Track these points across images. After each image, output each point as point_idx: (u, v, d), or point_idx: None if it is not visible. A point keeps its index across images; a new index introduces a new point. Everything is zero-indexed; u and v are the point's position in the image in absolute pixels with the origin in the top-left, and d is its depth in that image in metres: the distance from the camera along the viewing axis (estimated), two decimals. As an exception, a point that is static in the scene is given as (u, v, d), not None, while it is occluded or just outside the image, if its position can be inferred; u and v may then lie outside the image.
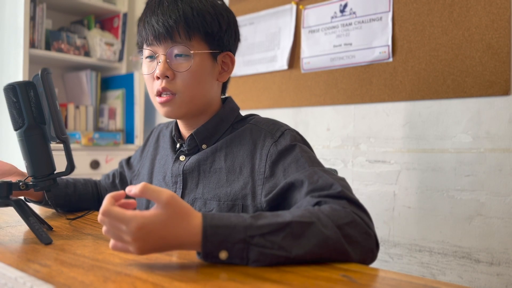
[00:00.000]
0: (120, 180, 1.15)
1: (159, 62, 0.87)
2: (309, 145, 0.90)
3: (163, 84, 0.87)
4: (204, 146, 0.93)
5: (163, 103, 0.89)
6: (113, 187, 1.15)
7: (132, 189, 0.59)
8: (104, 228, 0.61)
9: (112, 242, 0.61)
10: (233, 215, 0.62)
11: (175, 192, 0.94)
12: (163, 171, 1.00)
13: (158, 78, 0.88)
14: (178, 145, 0.99)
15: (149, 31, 0.88)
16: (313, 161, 0.82)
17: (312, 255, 0.62)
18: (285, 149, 0.84)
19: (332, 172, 0.80)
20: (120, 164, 1.17)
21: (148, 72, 0.91)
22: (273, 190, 0.82)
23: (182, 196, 0.93)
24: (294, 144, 0.84)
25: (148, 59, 0.91)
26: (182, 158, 0.95)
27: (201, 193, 0.91)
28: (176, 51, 0.87)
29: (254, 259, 0.60)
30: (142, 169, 1.09)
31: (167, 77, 0.87)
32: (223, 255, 0.59)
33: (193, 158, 0.93)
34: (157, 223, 0.58)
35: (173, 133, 1.01)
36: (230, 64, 0.95)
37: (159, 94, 0.89)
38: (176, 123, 1.00)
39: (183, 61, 0.87)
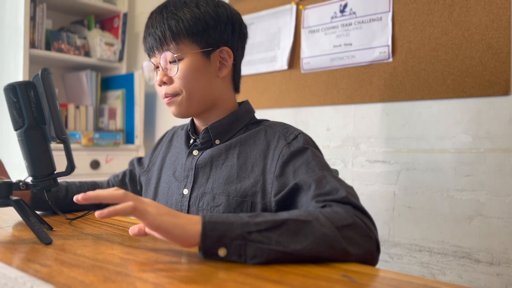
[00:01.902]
0: (130, 178, 1.17)
1: (159, 70, 0.94)
2: (320, 150, 0.91)
3: (164, 91, 0.94)
4: (217, 141, 0.96)
5: (168, 104, 0.96)
6: (122, 185, 1.17)
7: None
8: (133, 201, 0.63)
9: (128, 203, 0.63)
10: (231, 215, 0.64)
11: (185, 186, 0.96)
12: (173, 167, 1.02)
13: (160, 85, 0.95)
14: (192, 140, 1.02)
15: (147, 45, 0.96)
16: (324, 166, 0.83)
17: (310, 252, 0.62)
18: (297, 151, 0.86)
19: (341, 179, 0.81)
20: (131, 162, 1.19)
21: (154, 80, 0.97)
22: (283, 189, 0.83)
23: (192, 190, 0.95)
24: (307, 147, 0.86)
25: (153, 69, 0.98)
26: (195, 152, 0.98)
27: (210, 187, 0.92)
28: (167, 58, 0.93)
29: (252, 256, 0.60)
30: (152, 166, 1.11)
31: (166, 83, 0.93)
32: (221, 252, 0.61)
33: (207, 153, 0.95)
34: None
35: (188, 128, 1.04)
36: (228, 58, 0.97)
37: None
38: (192, 119, 1.04)
39: (173, 66, 0.93)
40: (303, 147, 0.86)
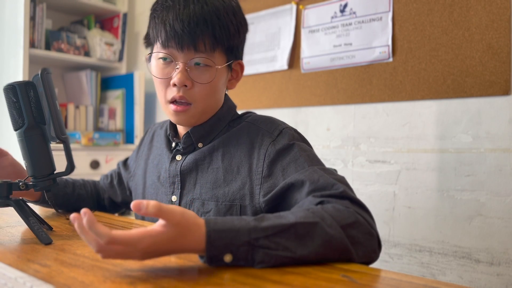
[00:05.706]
0: (118, 180, 1.14)
1: (177, 69, 0.85)
2: (307, 142, 0.89)
3: (181, 93, 0.85)
4: (200, 144, 0.93)
5: (177, 112, 0.87)
6: (111, 187, 1.15)
7: (144, 207, 0.55)
8: (103, 255, 0.56)
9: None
10: (236, 219, 0.61)
11: (172, 193, 0.94)
12: (156, 171, 0.99)
13: (174, 85, 0.86)
14: (173, 144, 0.98)
15: (170, 35, 0.84)
16: (312, 160, 0.81)
17: (316, 255, 0.61)
18: (283, 148, 0.83)
19: (332, 171, 0.80)
20: (118, 165, 1.17)
21: (163, 77, 0.88)
22: (272, 190, 0.82)
23: (180, 197, 0.92)
24: (293, 143, 0.84)
25: (161, 60, 0.88)
26: (178, 157, 0.94)
27: (198, 193, 0.90)
28: (199, 61, 0.85)
29: (259, 261, 0.59)
30: (137, 169, 1.08)
31: (185, 86, 0.85)
32: (227, 258, 0.59)
33: (190, 157, 0.92)
34: (165, 240, 0.56)
35: (168, 132, 0.99)
36: (240, 72, 0.95)
37: (173, 101, 0.87)
38: (171, 122, 0.98)
39: (204, 72, 0.86)
40: (289, 144, 0.83)
